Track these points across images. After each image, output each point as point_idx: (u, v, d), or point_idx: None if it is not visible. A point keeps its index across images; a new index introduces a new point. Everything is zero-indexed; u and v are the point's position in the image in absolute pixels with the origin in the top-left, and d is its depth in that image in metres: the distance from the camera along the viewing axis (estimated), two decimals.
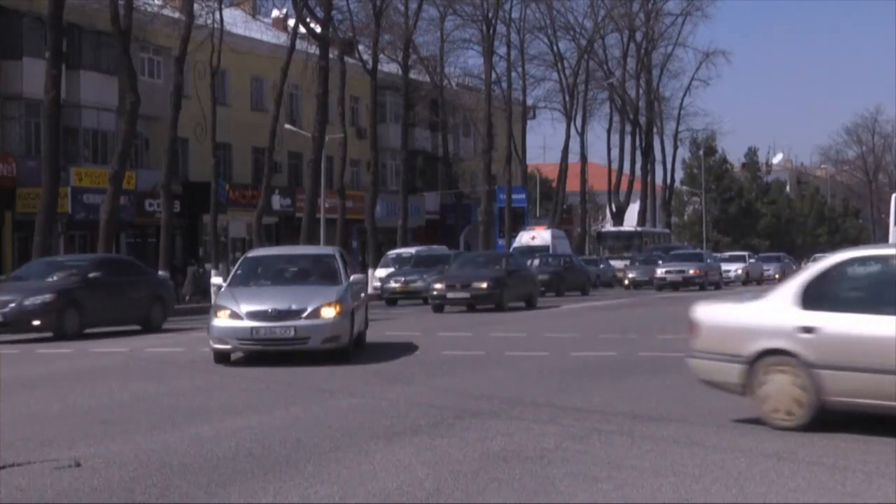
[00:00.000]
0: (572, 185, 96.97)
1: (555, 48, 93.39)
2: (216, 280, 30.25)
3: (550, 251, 63.62)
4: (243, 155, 72.95)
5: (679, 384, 18.42)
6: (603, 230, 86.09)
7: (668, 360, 22.71)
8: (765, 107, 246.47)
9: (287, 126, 68.63)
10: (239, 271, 25.50)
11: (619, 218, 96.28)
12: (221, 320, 22.77)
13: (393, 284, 52.88)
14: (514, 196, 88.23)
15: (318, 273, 25.75)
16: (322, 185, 65.47)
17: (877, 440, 12.33)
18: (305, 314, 22.32)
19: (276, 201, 70.54)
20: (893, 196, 60.23)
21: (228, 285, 24.76)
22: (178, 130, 57.83)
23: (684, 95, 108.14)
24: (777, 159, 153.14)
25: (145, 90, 54.60)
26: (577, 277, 60.64)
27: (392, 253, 57.39)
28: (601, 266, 74.12)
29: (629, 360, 23.82)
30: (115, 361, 26.12)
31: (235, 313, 22.50)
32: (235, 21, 71.37)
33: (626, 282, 70.14)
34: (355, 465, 11.94)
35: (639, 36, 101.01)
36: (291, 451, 12.75)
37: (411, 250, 57.17)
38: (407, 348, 27.58)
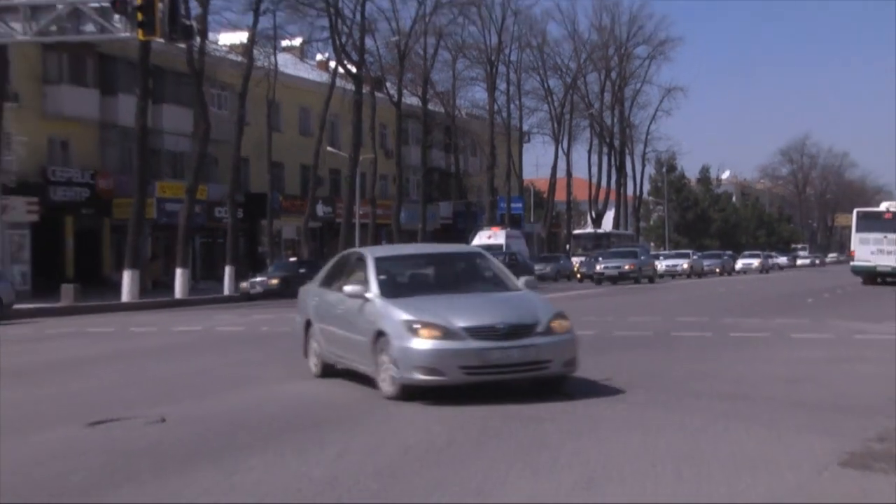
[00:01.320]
0: (560, 195, 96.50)
1: (545, 85, 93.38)
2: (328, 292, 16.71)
3: (504, 249, 57.13)
4: (293, 171, 72.72)
5: (644, 359, 18.45)
6: (576, 232, 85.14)
7: (635, 338, 22.65)
8: (715, 132, 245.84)
9: (328, 148, 68.42)
10: (382, 277, 14.94)
11: (598, 223, 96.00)
12: (428, 341, 13.18)
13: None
14: (513, 205, 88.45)
15: (480, 277, 16.61)
16: (357, 196, 65.43)
17: None
18: (540, 329, 13.58)
19: (320, 209, 70.37)
20: (855, 211, 60.23)
21: (382, 295, 14.38)
22: (241, 151, 57.77)
23: (650, 123, 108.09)
24: (725, 175, 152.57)
25: (214, 119, 54.48)
26: (521, 272, 55.17)
27: (475, 242, 50.98)
28: (562, 262, 73.31)
29: (605, 337, 22.91)
30: (192, 338, 26.12)
31: (448, 331, 13.25)
32: (287, 63, 71.20)
33: (578, 275, 67.50)
34: (379, 422, 12.02)
35: (613, 75, 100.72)
36: (331, 412, 12.82)
37: (494, 241, 52.35)
38: None
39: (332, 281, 16.51)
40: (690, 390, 14.03)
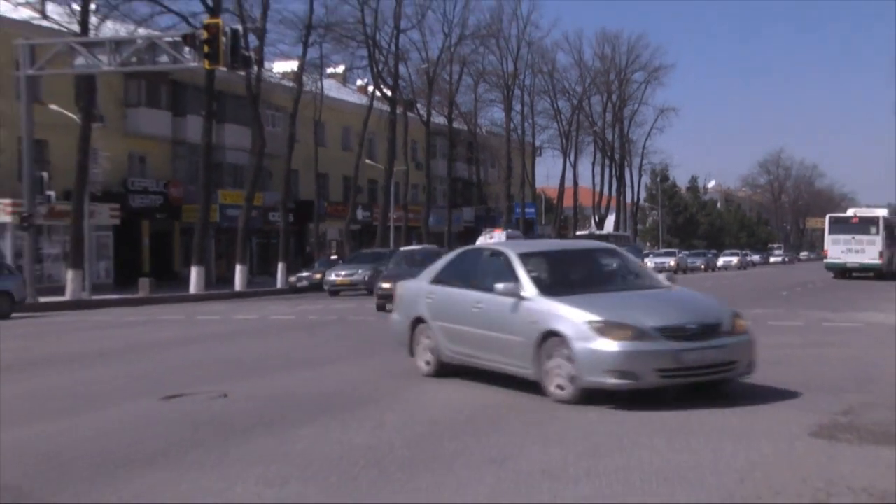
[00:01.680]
0: (567, 202, 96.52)
1: (555, 106, 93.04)
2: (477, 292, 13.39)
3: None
4: (336, 181, 72.81)
5: None
6: (578, 233, 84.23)
7: None
8: (703, 146, 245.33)
9: (367, 161, 68.53)
10: (535, 274, 12.70)
11: (600, 225, 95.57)
12: (618, 343, 11.04)
13: (333, 278, 42.82)
14: (527, 210, 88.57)
15: (623, 273, 14.61)
16: (391, 202, 65.49)
17: None
18: (725, 329, 11.72)
19: (360, 214, 70.44)
20: (828, 216, 60.09)
21: (542, 294, 12.08)
22: (291, 164, 57.80)
23: (646, 139, 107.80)
24: (711, 184, 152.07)
25: (268, 136, 54.64)
26: None
27: (404, 249, 45.25)
28: None
29: None
30: (249, 325, 26.12)
31: (641, 331, 11.15)
32: (331, 88, 71.24)
33: None
34: (410, 400, 12.04)
35: (614, 97, 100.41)
36: (370, 391, 12.82)
37: (417, 247, 49.59)
38: None
39: (451, 278, 13.83)
40: None
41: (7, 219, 42.83)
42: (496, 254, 13.76)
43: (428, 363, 13.69)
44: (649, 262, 72.19)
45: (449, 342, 13.18)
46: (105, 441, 9.62)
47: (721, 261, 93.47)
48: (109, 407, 11.75)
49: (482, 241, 50.89)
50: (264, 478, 7.78)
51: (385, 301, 26.52)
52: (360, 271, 41.35)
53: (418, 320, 13.94)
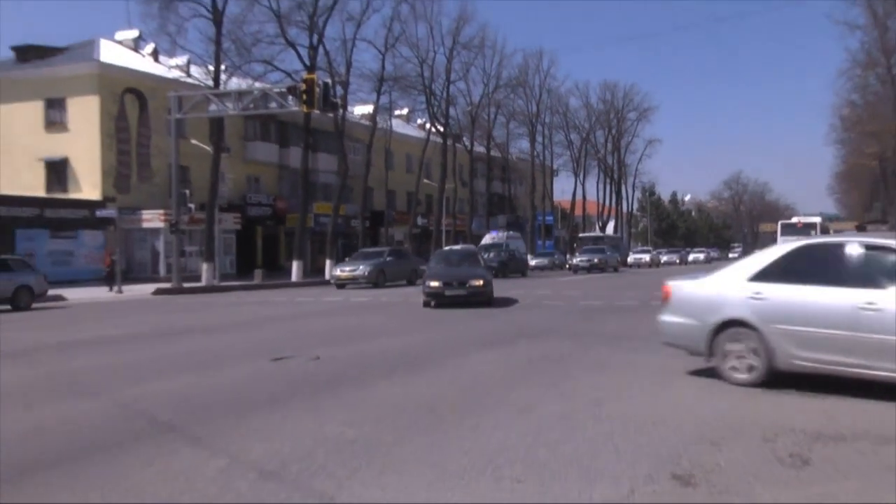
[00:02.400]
0: (577, 212, 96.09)
1: (568, 138, 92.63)
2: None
3: (504, 247, 50.57)
4: (401, 196, 72.87)
5: (637, 320, 18.30)
6: (580, 235, 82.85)
7: (628, 307, 22.49)
8: (681, 168, 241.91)
9: (424, 180, 68.53)
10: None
11: (602, 230, 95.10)
12: None
13: (339, 273, 37.15)
14: (547, 218, 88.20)
15: None
16: (443, 212, 65.63)
17: None
18: None
19: (419, 220, 70.50)
20: (780, 222, 59.96)
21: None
22: (367, 183, 58.03)
23: (638, 163, 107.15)
24: (687, 197, 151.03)
25: (350, 162, 54.75)
26: (517, 265, 49.41)
27: (444, 249, 42.31)
28: (556, 256, 67.68)
29: (612, 306, 22.79)
30: (335, 306, 25.99)
31: None
32: (397, 125, 71.40)
33: (568, 266, 59.94)
34: (456, 364, 12.06)
35: (613, 131, 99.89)
36: (428, 356, 12.87)
37: (457, 247, 47.92)
38: (509, 300, 24.68)
39: (790, 275, 9.29)
40: (653, 344, 13.93)
41: (161, 225, 44.02)
42: (879, 248, 9.00)
43: (750, 369, 9.35)
44: (630, 258, 71.24)
45: (799, 348, 8.96)
46: (231, 390, 9.77)
47: (691, 256, 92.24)
48: (235, 365, 11.89)
49: (486, 240, 49.60)
50: (347, 420, 7.84)
51: (431, 298, 22.31)
52: (360, 267, 36.61)
53: (729, 323, 9.58)
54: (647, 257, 72.60)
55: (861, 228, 59.53)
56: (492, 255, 46.75)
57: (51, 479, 6.22)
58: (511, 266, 47.77)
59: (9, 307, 26.40)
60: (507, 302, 24.24)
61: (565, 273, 52.62)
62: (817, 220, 58.37)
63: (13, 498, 5.79)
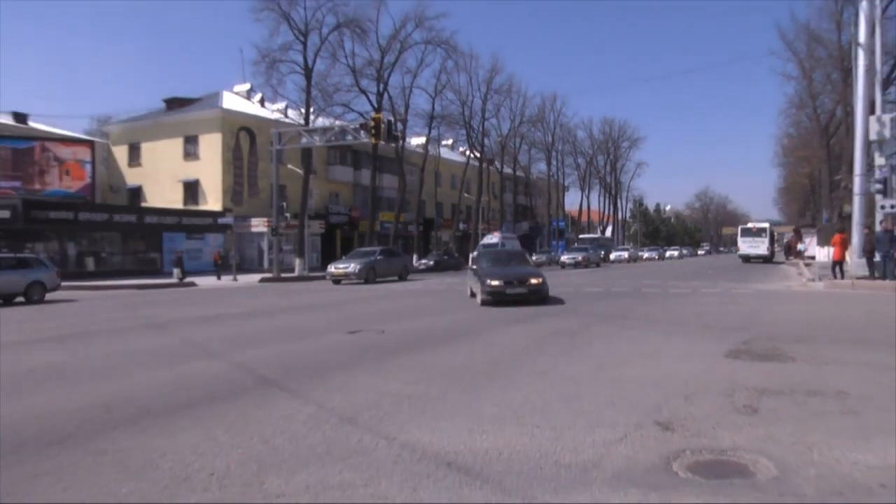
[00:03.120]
0: (584, 219, 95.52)
1: (576, 161, 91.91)
2: None
3: (499, 246, 42.08)
4: (447, 207, 72.94)
5: (639, 301, 18.09)
6: (579, 237, 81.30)
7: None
8: (665, 183, 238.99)
9: (465, 194, 68.68)
10: None
11: (603, 233, 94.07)
12: None
13: (333, 270, 31.91)
14: (560, 223, 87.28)
15: None
16: (479, 219, 65.43)
17: None
18: None
19: (461, 226, 70.54)
20: (739, 227, 59.18)
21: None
22: (420, 196, 58.21)
23: (630, 180, 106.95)
24: (668, 207, 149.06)
25: (408, 181, 55.07)
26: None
27: (480, 245, 39.57)
28: (552, 254, 62.27)
29: (612, 292, 22.52)
30: (394, 291, 26.10)
31: None
32: (444, 152, 71.41)
33: (560, 263, 53.72)
34: (490, 336, 12.00)
35: (611, 156, 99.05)
36: (468, 330, 12.83)
37: (493, 239, 43.44)
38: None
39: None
40: (649, 319, 13.77)
41: (265, 229, 44.59)
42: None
43: None
44: (613, 255, 67.40)
45: None
46: (317, 355, 9.77)
47: (668, 253, 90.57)
48: (317, 337, 11.87)
49: (484, 240, 45.71)
50: (405, 379, 7.82)
51: (492, 297, 17.43)
52: (352, 265, 31.69)
53: None
54: (626, 254, 68.77)
55: (797, 231, 58.97)
56: None
57: (191, 415, 6.37)
58: None
59: (24, 299, 23.17)
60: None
61: (554, 269, 49.83)
62: (767, 224, 57.49)
63: (168, 428, 5.96)
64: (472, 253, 45.35)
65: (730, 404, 6.43)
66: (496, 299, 17.44)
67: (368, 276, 31.70)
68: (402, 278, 34.27)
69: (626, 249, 72.64)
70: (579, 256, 53.34)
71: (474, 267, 20.10)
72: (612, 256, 66.71)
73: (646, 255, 79.56)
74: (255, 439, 5.60)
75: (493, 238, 46.36)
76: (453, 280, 33.15)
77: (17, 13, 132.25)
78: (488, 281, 17.66)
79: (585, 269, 47.54)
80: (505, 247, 46.27)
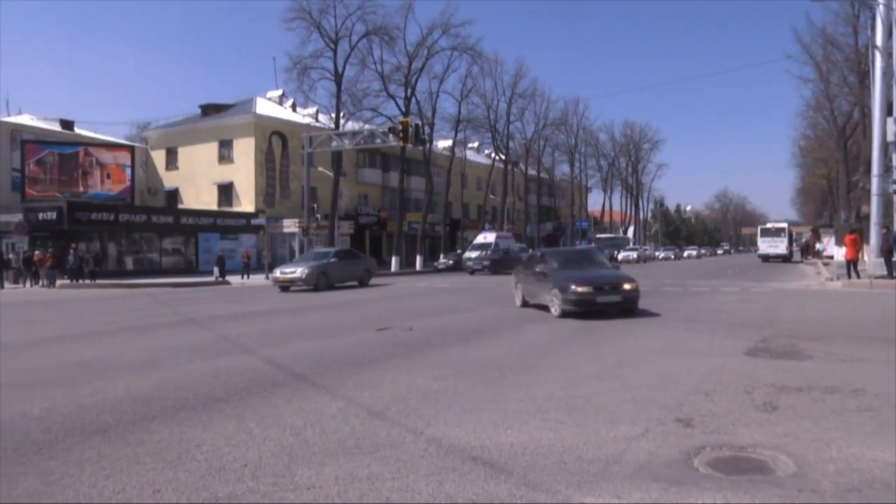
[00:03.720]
0: (606, 219, 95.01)
1: (598, 163, 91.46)
2: None
3: (493, 246, 42.29)
4: (473, 207, 72.70)
5: (661, 299, 17.95)
6: (598, 236, 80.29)
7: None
8: (685, 184, 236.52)
9: (491, 196, 68.43)
10: None
11: (625, 233, 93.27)
12: None
13: (278, 275, 25.86)
14: (583, 224, 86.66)
15: None
16: (504, 219, 65.20)
17: None
18: None
19: (486, 226, 70.24)
20: (759, 227, 58.68)
21: None
22: (447, 198, 58.13)
23: (651, 182, 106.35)
24: (689, 207, 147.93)
25: (435, 183, 55.00)
26: (511, 262, 36.74)
27: (471, 245, 37.16)
28: None
29: None
30: (422, 290, 25.86)
31: None
32: (470, 154, 71.10)
33: None
34: (517, 333, 11.96)
35: (632, 158, 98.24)
36: (495, 327, 12.80)
37: (489, 239, 41.97)
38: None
39: None
40: (671, 317, 13.64)
41: (296, 230, 44.48)
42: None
43: None
44: (620, 255, 64.57)
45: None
46: (347, 352, 9.77)
47: (685, 253, 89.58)
48: (348, 334, 11.88)
49: (478, 240, 44.34)
50: (432, 375, 7.82)
51: (577, 307, 13.41)
52: (298, 270, 25.72)
53: None
54: (634, 255, 64.65)
55: (815, 231, 58.27)
56: (484, 253, 41.77)
57: (226, 408, 6.41)
58: (504, 263, 40.50)
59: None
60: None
61: None
62: (785, 224, 56.84)
63: (203, 420, 6.00)
64: (464, 253, 43.32)
65: (749, 401, 6.34)
66: (582, 309, 13.41)
67: (318, 281, 25.79)
68: (363, 284, 28.51)
69: (636, 249, 69.19)
70: None
71: (538, 269, 15.48)
72: (620, 257, 63.19)
73: (661, 254, 77.87)
74: (286, 432, 5.63)
75: (487, 237, 44.47)
76: (453, 280, 33.09)
77: (82, 39, 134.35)
78: (573, 287, 13.42)
79: None
80: (500, 246, 43.70)
